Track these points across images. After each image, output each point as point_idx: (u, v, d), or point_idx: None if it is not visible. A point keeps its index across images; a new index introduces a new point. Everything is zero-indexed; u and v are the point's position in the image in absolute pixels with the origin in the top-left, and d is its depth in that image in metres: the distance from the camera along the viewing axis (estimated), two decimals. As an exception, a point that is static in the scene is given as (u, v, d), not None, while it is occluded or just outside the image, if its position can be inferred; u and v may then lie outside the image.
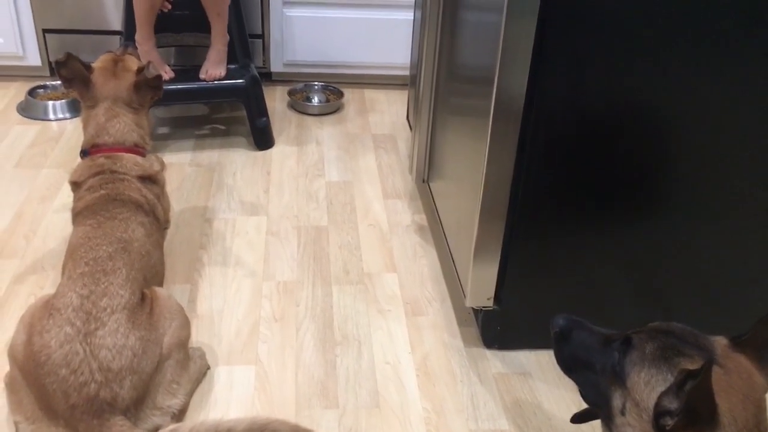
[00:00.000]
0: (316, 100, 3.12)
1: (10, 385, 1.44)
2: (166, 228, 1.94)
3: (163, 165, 1.92)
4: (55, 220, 2.19)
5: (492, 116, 1.47)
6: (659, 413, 0.91)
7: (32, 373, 1.38)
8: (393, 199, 2.42)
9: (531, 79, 1.43)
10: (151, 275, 1.66)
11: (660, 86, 1.45)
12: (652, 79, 1.44)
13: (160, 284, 1.75)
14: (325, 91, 3.15)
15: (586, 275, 1.68)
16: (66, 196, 2.18)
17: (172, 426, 1.42)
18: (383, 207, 2.37)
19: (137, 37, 2.52)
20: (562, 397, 1.66)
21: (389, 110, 3.07)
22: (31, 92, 2.90)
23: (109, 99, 1.80)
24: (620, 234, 1.63)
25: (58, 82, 1.81)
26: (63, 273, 1.56)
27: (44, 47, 3.03)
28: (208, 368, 1.67)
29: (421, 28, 2.09)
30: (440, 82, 2.05)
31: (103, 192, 1.69)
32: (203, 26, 2.59)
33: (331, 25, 3.07)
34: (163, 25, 2.57)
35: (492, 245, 1.63)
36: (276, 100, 3.09)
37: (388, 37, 3.08)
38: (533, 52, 1.40)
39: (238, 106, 2.80)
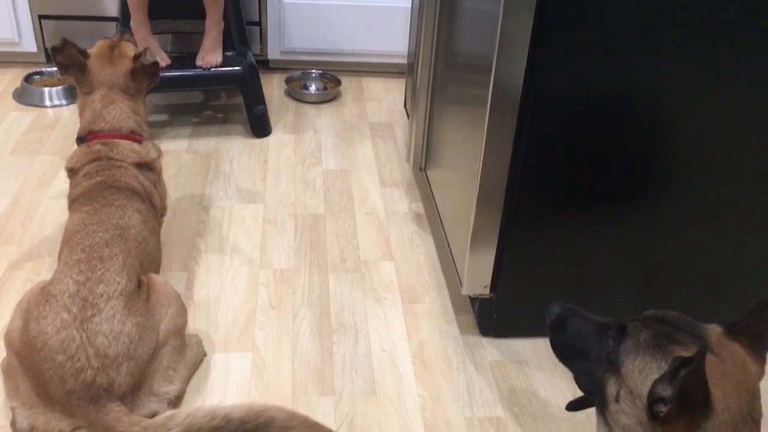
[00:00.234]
0: (313, 87, 3.11)
1: (7, 371, 1.45)
2: (162, 215, 1.94)
3: (159, 152, 1.92)
4: (51, 207, 2.19)
5: (489, 105, 1.47)
6: (653, 400, 0.91)
7: (29, 359, 1.39)
8: (390, 187, 2.42)
9: (529, 67, 1.43)
10: (147, 262, 1.66)
11: (658, 75, 1.44)
12: (651, 68, 1.44)
13: (157, 271, 1.75)
14: (323, 79, 3.14)
15: (583, 264, 1.69)
16: (62, 182, 2.17)
17: (169, 412, 1.43)
18: (380, 195, 2.37)
19: (132, 24, 2.51)
20: (557, 384, 1.66)
21: (387, 98, 3.06)
22: (27, 78, 2.89)
23: (106, 85, 1.79)
24: (617, 222, 1.63)
25: (54, 68, 1.80)
26: (59, 259, 1.56)
27: (40, 33, 3.01)
28: (205, 355, 1.68)
29: (418, 16, 2.08)
30: (438, 71, 2.05)
31: (99, 179, 1.69)
32: (200, 13, 2.57)
33: (328, 12, 3.05)
34: (159, 11, 2.56)
35: (489, 233, 1.63)
36: (273, 87, 3.08)
37: (385, 25, 3.07)
38: (531, 40, 1.40)
39: (236, 93, 2.79)
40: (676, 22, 1.39)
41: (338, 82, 3.10)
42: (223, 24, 2.58)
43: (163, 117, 2.80)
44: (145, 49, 1.85)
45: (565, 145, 1.52)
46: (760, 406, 0.96)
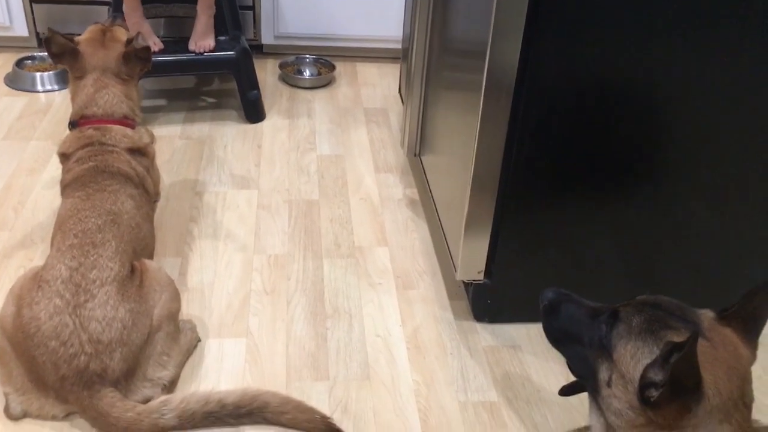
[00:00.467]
0: (307, 73, 3.09)
1: (0, 357, 1.44)
2: (156, 201, 1.93)
3: (152, 137, 1.91)
4: (43, 193, 2.18)
5: (484, 90, 1.46)
6: (644, 385, 0.92)
7: (22, 344, 1.39)
8: (384, 173, 2.41)
9: (523, 52, 1.42)
10: (140, 248, 1.65)
11: (654, 59, 1.44)
12: (646, 52, 1.43)
13: (151, 257, 1.75)
14: (317, 64, 3.12)
15: (577, 249, 1.69)
16: (55, 168, 2.16)
17: (163, 397, 1.43)
18: (375, 181, 2.36)
19: (124, 8, 2.48)
20: (551, 369, 1.67)
21: (381, 84, 3.05)
22: (19, 63, 2.86)
23: (98, 69, 1.78)
24: (611, 208, 1.63)
25: (46, 53, 1.78)
26: (52, 245, 1.56)
27: (32, 18, 2.98)
28: (199, 341, 1.68)
29: (413, 0, 2.06)
30: (432, 56, 2.04)
31: (91, 164, 1.68)
32: (193, -3, 2.55)
33: (322, -4, 3.04)
34: (152, -5, 2.54)
35: (483, 219, 1.63)
36: (267, 72, 3.07)
37: (380, 10, 3.05)
38: (526, 25, 1.39)
39: (229, 78, 2.77)
40: (671, 4, 1.38)
41: (332, 68, 3.08)
42: (214, 8, 2.56)
43: (157, 102, 2.78)
44: (138, 33, 1.83)
45: (560, 131, 1.52)
46: (751, 391, 0.96)
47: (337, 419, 1.50)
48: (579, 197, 1.62)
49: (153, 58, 1.89)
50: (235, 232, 2.07)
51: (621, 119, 1.51)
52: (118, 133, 1.76)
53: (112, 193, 1.63)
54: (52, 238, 1.58)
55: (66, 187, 1.68)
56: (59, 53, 1.76)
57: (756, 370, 1.01)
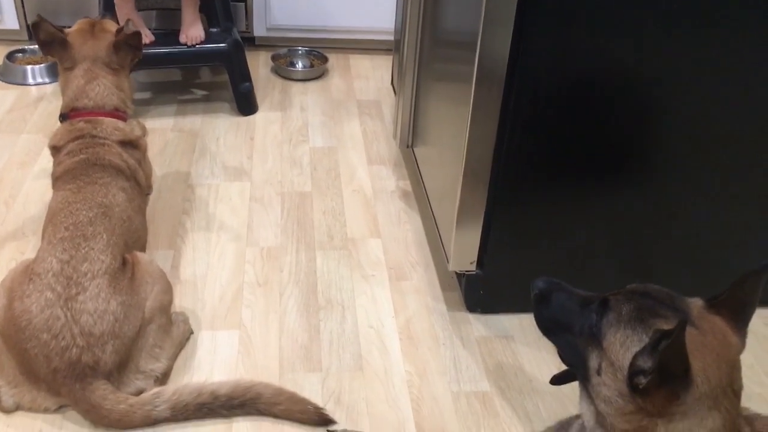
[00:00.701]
0: (300, 65, 3.09)
1: (-8, 350, 1.44)
2: (148, 194, 1.93)
3: (144, 130, 1.90)
4: (35, 186, 2.17)
5: (474, 81, 1.47)
6: (633, 372, 0.92)
7: (13, 337, 1.38)
8: (377, 165, 2.41)
9: (514, 43, 1.42)
10: (132, 240, 1.65)
11: (646, 49, 1.44)
12: (637, 42, 1.43)
13: (143, 249, 1.74)
14: (309, 56, 3.12)
15: (569, 239, 1.69)
16: (46, 161, 2.15)
17: (156, 389, 1.44)
18: (367, 173, 2.36)
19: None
20: (543, 359, 1.68)
21: (374, 76, 3.04)
22: (9, 56, 2.85)
23: (88, 59, 1.76)
24: (603, 198, 1.64)
25: (36, 46, 1.77)
26: (43, 238, 1.55)
27: (22, 10, 2.97)
28: (192, 333, 1.68)
29: (405, -9, 2.06)
30: (424, 47, 2.03)
31: (83, 156, 1.68)
32: (184, -11, 2.54)
33: (315, -12, 3.03)
34: (143, -13, 2.53)
35: (475, 210, 1.63)
36: (259, 65, 3.06)
37: (372, 2, 3.04)
38: (516, 16, 1.39)
39: (221, 70, 2.76)
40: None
41: (325, 60, 3.07)
42: (198, 1, 2.55)
43: (148, 95, 2.77)
44: (127, 20, 1.82)
45: (551, 121, 1.52)
46: (740, 378, 0.97)
47: (330, 410, 1.50)
48: (570, 187, 1.62)
49: (145, 51, 1.89)
50: (228, 225, 2.07)
51: (612, 109, 1.51)
52: (110, 125, 1.75)
53: (104, 185, 1.63)
54: (43, 231, 1.58)
55: (57, 179, 1.68)
56: (47, 41, 1.75)
57: (747, 358, 1.01)
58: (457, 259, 1.70)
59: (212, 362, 1.62)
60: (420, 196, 2.22)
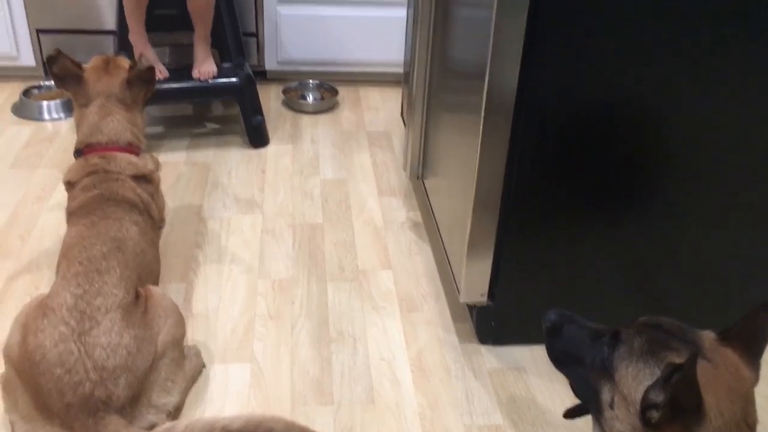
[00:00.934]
0: (310, 98, 3.12)
1: (6, 385, 1.45)
2: (161, 227, 1.94)
3: (157, 164, 1.93)
4: (50, 220, 2.20)
5: (484, 112, 1.48)
6: (646, 406, 0.92)
7: (27, 372, 1.39)
8: (388, 196, 2.42)
9: (522, 74, 1.44)
10: (146, 274, 1.66)
11: (652, 80, 1.45)
12: (644, 74, 1.44)
13: (156, 283, 1.75)
14: (320, 89, 3.15)
15: (580, 270, 1.69)
16: (61, 195, 2.18)
17: (168, 424, 1.43)
18: (378, 204, 2.37)
19: (130, 36, 2.52)
20: (556, 391, 1.66)
21: (384, 107, 3.07)
22: (26, 92, 2.90)
23: (102, 96, 1.80)
24: (613, 229, 1.64)
25: (52, 82, 1.81)
26: (57, 272, 1.57)
27: (38, 47, 3.03)
28: (204, 366, 1.68)
29: (413, 25, 2.09)
30: (433, 79, 2.06)
31: (97, 191, 1.70)
32: (197, 25, 2.59)
33: (324, 23, 3.07)
34: (156, 24, 2.58)
35: (485, 241, 1.64)
36: (271, 98, 3.10)
37: (381, 35, 3.08)
38: (524, 47, 1.41)
39: (233, 104, 2.80)
40: (671, 24, 1.39)
41: (335, 92, 3.11)
42: (210, 39, 2.59)
43: (161, 129, 2.81)
44: (140, 55, 1.86)
45: (560, 151, 1.53)
46: (754, 412, 0.96)
47: (342, 444, 1.50)
48: (580, 217, 1.62)
49: (158, 86, 1.92)
50: (240, 257, 2.08)
51: (620, 139, 1.52)
52: (123, 160, 1.78)
53: (117, 220, 1.65)
54: (58, 266, 1.59)
55: (71, 214, 1.70)
56: (61, 75, 1.78)
57: (762, 390, 1.00)
58: (468, 291, 1.70)
59: (224, 396, 1.62)
60: (430, 227, 2.22)
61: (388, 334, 1.82)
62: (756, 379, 0.97)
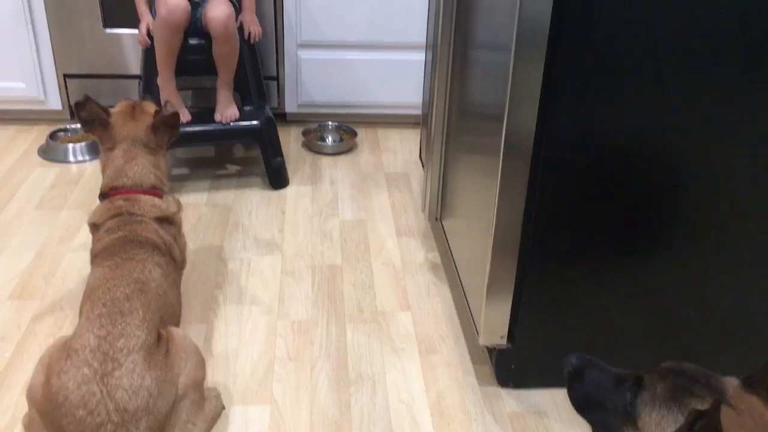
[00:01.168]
0: (329, 139, 3.16)
1: (29, 427, 1.46)
2: (182, 268, 1.96)
3: (179, 206, 1.96)
4: (73, 261, 2.23)
5: (502, 154, 1.49)
6: (670, 454, 0.91)
7: (50, 414, 1.40)
8: (406, 237, 2.44)
9: (540, 116, 1.45)
10: (168, 315, 1.68)
11: (670, 121, 1.46)
12: (662, 115, 1.45)
13: (177, 324, 1.77)
14: (339, 131, 3.20)
15: (600, 312, 1.68)
16: (85, 236, 2.22)
17: (187, 467, 1.43)
18: (397, 245, 2.39)
19: (159, 80, 2.58)
20: (577, 436, 1.65)
21: (402, 149, 3.10)
22: (52, 135, 2.97)
23: (128, 140, 1.84)
24: (634, 270, 1.63)
25: (78, 125, 1.85)
26: (81, 314, 1.58)
27: (65, 92, 3.11)
28: (224, 408, 1.68)
29: (432, 68, 2.13)
30: (452, 121, 2.08)
31: (120, 234, 1.72)
32: (220, 69, 2.64)
33: (344, 66, 3.12)
34: (181, 68, 2.63)
35: (504, 283, 1.64)
36: (291, 140, 3.14)
37: (400, 78, 3.13)
38: (542, 90, 1.43)
39: (254, 146, 2.84)
40: (686, 68, 1.41)
41: (354, 134, 3.15)
42: (233, 84, 2.65)
43: (183, 170, 2.86)
44: (166, 102, 1.90)
45: (579, 193, 1.54)
46: (780, 459, 0.94)
47: (362, 488, 1.48)
48: (600, 259, 1.62)
49: (181, 129, 1.96)
50: (260, 298, 2.10)
51: (640, 181, 1.53)
52: (147, 202, 1.81)
53: (140, 262, 1.67)
54: (81, 307, 1.61)
55: (96, 256, 1.72)
56: (89, 120, 1.82)
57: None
58: (487, 332, 1.69)
59: (243, 438, 1.62)
60: (449, 268, 2.23)
61: (407, 376, 1.82)
62: (782, 426, 0.96)
